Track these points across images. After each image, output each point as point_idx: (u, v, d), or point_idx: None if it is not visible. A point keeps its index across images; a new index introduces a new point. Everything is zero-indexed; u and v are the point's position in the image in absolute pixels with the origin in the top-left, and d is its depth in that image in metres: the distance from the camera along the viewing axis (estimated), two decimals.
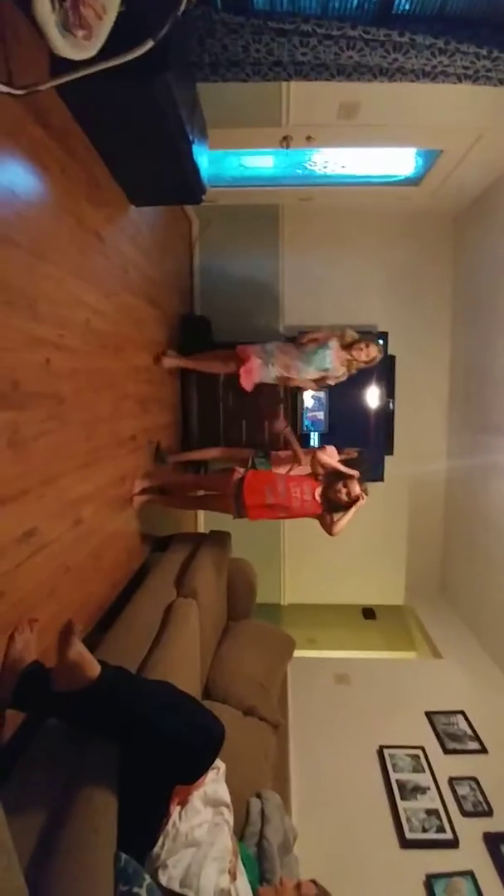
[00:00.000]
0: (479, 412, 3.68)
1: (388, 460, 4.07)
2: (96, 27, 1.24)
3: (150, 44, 1.27)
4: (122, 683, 1.22)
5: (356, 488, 2.43)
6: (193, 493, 2.94)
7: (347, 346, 2.88)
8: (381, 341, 3.03)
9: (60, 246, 1.72)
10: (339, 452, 2.80)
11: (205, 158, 2.38)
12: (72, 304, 1.80)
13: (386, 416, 4.01)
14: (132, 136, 1.94)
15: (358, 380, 3.90)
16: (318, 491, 2.48)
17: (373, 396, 3.94)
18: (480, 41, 1.97)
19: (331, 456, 2.68)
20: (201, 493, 2.92)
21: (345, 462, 2.75)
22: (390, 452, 4.09)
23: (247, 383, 2.91)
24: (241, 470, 2.57)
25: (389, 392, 4.01)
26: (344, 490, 2.42)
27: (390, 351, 3.99)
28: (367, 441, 3.87)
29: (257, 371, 2.88)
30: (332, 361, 2.88)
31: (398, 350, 4.02)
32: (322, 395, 3.88)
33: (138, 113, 1.78)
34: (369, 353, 2.88)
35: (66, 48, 1.18)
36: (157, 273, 2.91)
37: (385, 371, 3.97)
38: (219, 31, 1.99)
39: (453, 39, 1.96)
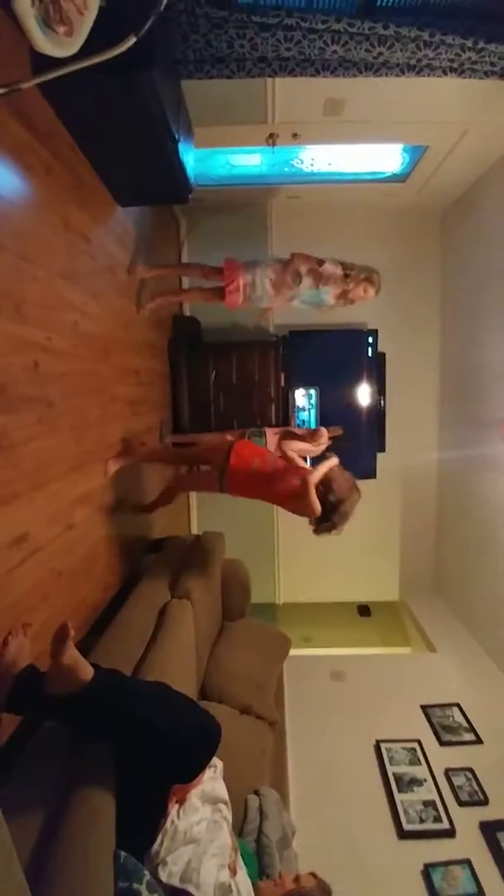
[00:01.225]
0: (469, 406, 3.71)
1: (381, 457, 4.10)
2: (78, 23, 1.23)
3: (132, 40, 1.25)
4: (116, 686, 1.23)
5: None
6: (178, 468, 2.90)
7: (347, 283, 2.63)
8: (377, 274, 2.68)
9: (47, 247, 1.70)
10: (327, 429, 2.99)
11: (191, 157, 2.37)
12: (59, 307, 1.78)
13: (377, 414, 4.03)
14: (117, 135, 1.92)
15: (349, 378, 3.95)
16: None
17: (364, 394, 3.96)
18: (466, 32, 1.96)
19: (322, 436, 2.84)
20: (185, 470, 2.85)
21: (332, 439, 2.98)
22: (382, 450, 4.12)
23: (232, 302, 2.70)
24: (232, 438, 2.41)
25: (380, 389, 4.03)
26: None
27: (381, 348, 4.01)
28: (359, 439, 3.88)
29: (244, 293, 2.66)
30: (327, 300, 2.71)
31: (388, 347, 4.04)
32: (314, 393, 3.89)
33: (122, 111, 1.77)
34: (367, 295, 2.70)
35: (48, 45, 1.16)
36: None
37: (376, 369, 3.99)
38: (202, 27, 1.97)
39: (438, 31, 1.95)
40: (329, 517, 1.95)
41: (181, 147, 2.12)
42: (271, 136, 2.86)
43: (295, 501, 1.98)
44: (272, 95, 2.50)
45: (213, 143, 3.02)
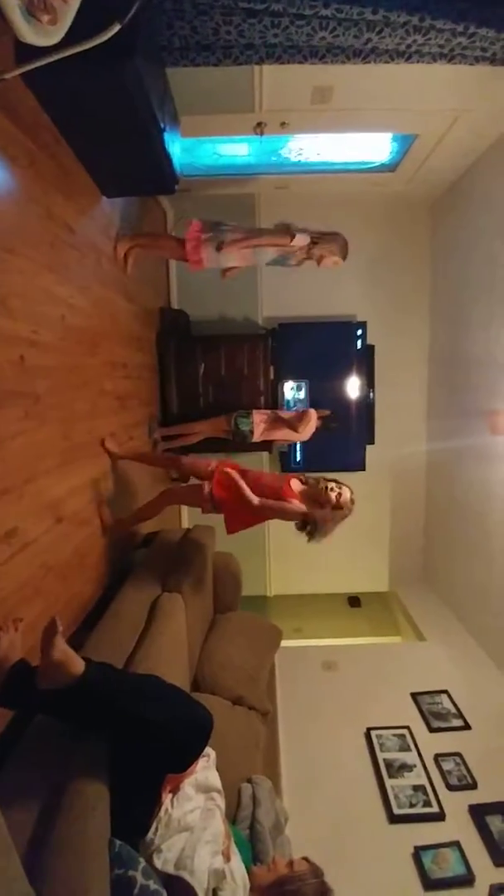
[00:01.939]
0: (457, 398, 3.73)
1: (370, 449, 4.13)
2: (61, 11, 1.20)
3: (116, 27, 1.24)
4: (107, 679, 1.23)
5: (347, 493, 2.10)
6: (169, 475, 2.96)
7: (313, 254, 2.61)
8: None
9: (31, 239, 1.67)
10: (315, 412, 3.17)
11: (177, 146, 2.34)
12: (45, 300, 1.76)
13: (367, 407, 4.06)
14: (101, 124, 1.89)
15: (338, 371, 3.96)
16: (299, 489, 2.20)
17: (353, 387, 3.97)
18: (457, 17, 1.93)
19: (311, 419, 3.04)
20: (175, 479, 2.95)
21: (321, 419, 3.18)
22: (372, 442, 4.14)
23: (195, 269, 2.66)
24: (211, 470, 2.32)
25: (369, 382, 4.05)
26: (334, 493, 2.07)
27: (369, 340, 4.03)
28: (349, 432, 3.91)
29: (207, 260, 2.61)
30: (290, 263, 2.70)
31: (377, 339, 4.05)
32: (303, 386, 3.90)
33: (107, 100, 1.74)
34: (336, 265, 2.69)
35: (31, 34, 1.14)
36: (132, 266, 2.85)
37: (365, 361, 4.01)
38: (188, 13, 1.94)
39: (429, 16, 1.92)
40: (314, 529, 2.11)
41: (167, 136, 2.09)
42: (259, 125, 2.83)
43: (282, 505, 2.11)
44: (259, 83, 2.47)
45: (200, 132, 2.98)
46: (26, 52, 1.22)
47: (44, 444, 1.72)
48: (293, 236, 2.50)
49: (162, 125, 2.00)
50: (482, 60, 2.12)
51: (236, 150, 3.42)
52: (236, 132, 3.01)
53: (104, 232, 2.44)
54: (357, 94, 2.55)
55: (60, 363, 1.87)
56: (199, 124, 2.80)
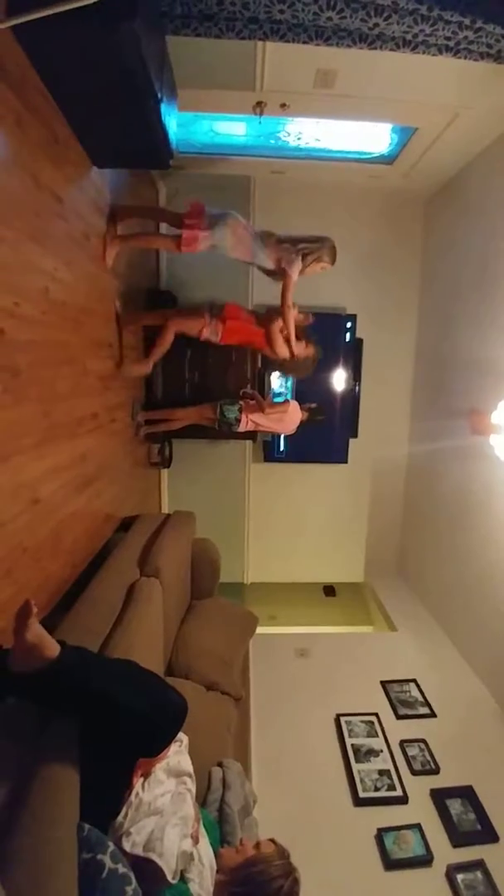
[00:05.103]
0: (439, 398, 3.78)
1: (353, 443, 4.16)
2: None
3: None
4: (82, 663, 1.21)
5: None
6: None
7: (304, 267, 2.65)
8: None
9: (15, 205, 1.59)
10: (301, 405, 3.37)
11: (173, 120, 2.26)
12: (28, 271, 1.68)
13: (352, 400, 4.07)
14: (95, 88, 1.80)
15: (326, 363, 3.95)
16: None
17: (339, 380, 3.97)
18: (465, 9, 1.91)
19: (286, 409, 3.28)
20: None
21: (307, 411, 3.39)
22: (355, 435, 4.17)
23: (188, 251, 2.59)
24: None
25: (356, 376, 4.05)
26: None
27: (358, 334, 4.03)
28: (333, 424, 3.92)
29: (201, 244, 2.56)
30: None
31: (366, 333, 4.05)
32: (289, 377, 3.89)
33: (102, 63, 1.65)
34: (323, 269, 2.71)
35: None
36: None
37: (353, 354, 4.01)
38: None
39: (437, 5, 1.90)
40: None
41: (163, 107, 2.01)
42: (259, 104, 2.75)
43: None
44: (262, 61, 2.39)
45: (197, 106, 2.88)
46: (19, 3, 1.15)
47: (22, 421, 1.66)
48: (289, 276, 2.61)
49: (159, 95, 1.93)
50: (487, 57, 2.10)
51: (234, 129, 3.33)
52: (235, 110, 2.93)
53: (93, 204, 2.35)
54: (361, 81, 2.50)
55: (42, 338, 1.80)
56: (196, 98, 2.71)
